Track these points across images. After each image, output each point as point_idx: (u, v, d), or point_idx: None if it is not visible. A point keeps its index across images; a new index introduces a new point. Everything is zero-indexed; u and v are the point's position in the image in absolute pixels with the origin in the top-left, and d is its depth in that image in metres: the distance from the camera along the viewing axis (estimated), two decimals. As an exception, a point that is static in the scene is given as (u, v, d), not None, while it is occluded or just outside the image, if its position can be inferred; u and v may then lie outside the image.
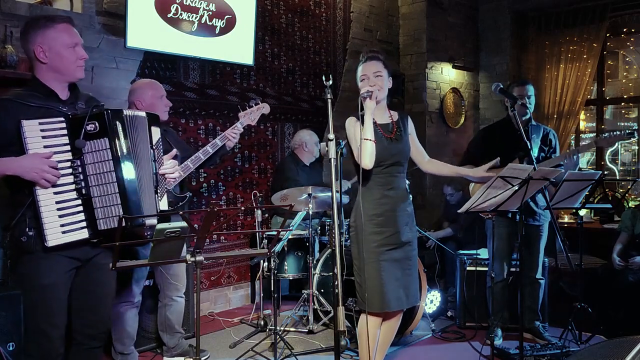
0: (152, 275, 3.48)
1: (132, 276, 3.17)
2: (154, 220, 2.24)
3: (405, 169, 2.89)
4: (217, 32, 4.30)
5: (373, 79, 2.77)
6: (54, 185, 2.08)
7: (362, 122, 2.71)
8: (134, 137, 2.22)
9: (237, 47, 4.45)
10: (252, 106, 3.42)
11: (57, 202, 2.08)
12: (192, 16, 4.12)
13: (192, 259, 2.05)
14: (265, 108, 3.46)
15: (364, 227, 2.73)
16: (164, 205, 2.43)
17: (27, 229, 2.08)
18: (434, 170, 3.01)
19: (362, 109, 2.73)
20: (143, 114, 2.33)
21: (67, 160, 2.10)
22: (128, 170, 2.17)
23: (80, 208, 2.12)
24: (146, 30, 3.86)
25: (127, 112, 2.22)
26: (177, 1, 4.01)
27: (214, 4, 4.23)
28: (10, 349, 2.83)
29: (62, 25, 2.17)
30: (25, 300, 2.21)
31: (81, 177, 2.12)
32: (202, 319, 4.33)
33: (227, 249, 4.69)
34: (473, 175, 2.99)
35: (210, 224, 2.02)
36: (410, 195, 2.96)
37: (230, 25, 4.37)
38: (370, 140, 2.67)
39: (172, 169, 2.46)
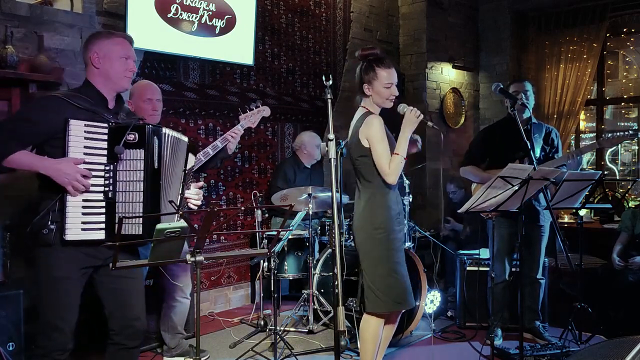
0: (152, 275, 3.48)
1: None
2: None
3: None
4: (217, 32, 4.30)
5: (394, 87, 2.80)
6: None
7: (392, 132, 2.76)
8: (168, 154, 2.34)
9: (237, 47, 4.45)
10: (253, 109, 3.42)
11: (84, 200, 2.20)
12: (192, 16, 4.12)
13: (192, 259, 2.05)
14: (265, 111, 3.46)
15: (392, 227, 2.75)
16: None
17: (49, 222, 2.17)
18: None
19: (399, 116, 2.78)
20: (185, 138, 2.46)
21: (101, 164, 2.22)
22: (155, 183, 2.28)
23: (103, 210, 2.23)
24: (146, 30, 3.86)
25: (166, 130, 2.35)
26: (177, 1, 4.01)
27: (214, 4, 4.24)
28: (10, 349, 2.84)
29: (119, 39, 2.35)
30: (39, 292, 2.26)
31: (111, 181, 2.23)
32: (202, 319, 4.33)
33: (227, 249, 4.69)
34: None
35: (210, 224, 2.03)
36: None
37: (230, 25, 4.37)
38: (404, 157, 2.69)
39: (196, 195, 2.62)
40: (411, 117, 2.72)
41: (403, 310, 2.89)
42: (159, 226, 1.96)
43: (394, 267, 2.74)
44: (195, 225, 2.03)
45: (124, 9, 3.76)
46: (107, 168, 2.22)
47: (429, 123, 2.81)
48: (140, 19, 3.82)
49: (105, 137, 2.22)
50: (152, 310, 3.56)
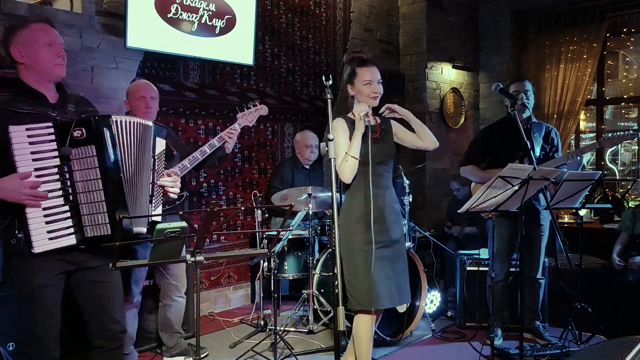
0: (152, 275, 3.48)
1: (131, 276, 3.17)
2: (142, 229, 2.23)
3: (391, 168, 2.91)
4: (217, 32, 4.30)
5: (376, 85, 2.79)
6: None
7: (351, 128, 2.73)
8: (126, 143, 2.20)
9: (237, 47, 4.45)
10: (250, 107, 3.41)
11: (44, 209, 2.07)
12: (192, 16, 4.12)
13: (192, 259, 2.04)
14: (263, 110, 3.46)
15: (354, 227, 2.73)
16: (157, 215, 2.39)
17: (16, 231, 2.08)
18: (422, 137, 2.97)
19: (358, 109, 2.77)
20: (149, 123, 2.31)
21: (55, 167, 2.08)
22: (116, 178, 2.15)
23: (68, 214, 2.11)
24: (146, 30, 3.86)
25: (116, 117, 2.18)
26: (177, 1, 4.01)
27: (214, 4, 4.24)
28: (10, 349, 2.84)
29: (37, 25, 2.15)
30: (18, 302, 2.20)
31: (68, 183, 2.10)
32: (202, 319, 4.33)
33: (227, 249, 4.69)
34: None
35: (210, 224, 2.02)
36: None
37: (230, 25, 4.37)
38: (355, 158, 2.68)
39: (172, 182, 2.43)
40: (357, 117, 2.73)
41: (374, 309, 2.80)
42: (159, 226, 1.95)
43: (355, 268, 2.73)
44: (195, 225, 2.03)
45: (123, 9, 3.76)
46: (63, 170, 2.08)
47: (367, 119, 2.74)
48: (140, 19, 3.82)
49: (53, 137, 2.07)
50: (151, 311, 3.56)
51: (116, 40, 3.89)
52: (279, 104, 5.09)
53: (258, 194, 4.68)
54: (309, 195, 3.89)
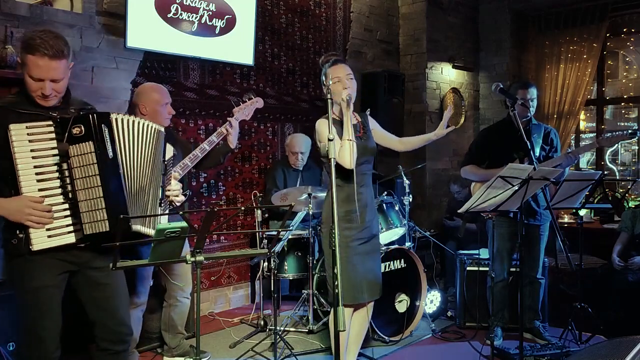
0: (155, 275, 3.47)
1: (136, 276, 3.16)
2: (150, 231, 2.24)
3: (372, 166, 2.98)
4: (217, 32, 4.30)
5: (346, 81, 2.81)
6: (41, 190, 2.08)
7: (340, 124, 2.76)
8: (126, 141, 2.21)
9: (237, 47, 4.45)
10: (246, 101, 3.40)
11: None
12: (192, 16, 4.12)
13: (192, 259, 2.04)
14: (259, 102, 3.43)
15: (338, 224, 2.74)
16: (164, 219, 2.42)
17: (17, 231, 2.09)
18: (409, 146, 3.08)
19: (337, 109, 2.81)
20: (161, 128, 2.36)
21: (55, 165, 2.11)
22: (114, 174, 2.15)
23: (68, 212, 2.12)
24: (146, 30, 3.86)
25: (116, 116, 2.20)
26: (177, 1, 4.01)
27: (214, 4, 4.24)
28: (11, 349, 2.84)
29: (34, 57, 2.06)
30: (18, 303, 2.20)
31: (68, 181, 2.11)
32: (202, 319, 4.33)
33: (227, 249, 4.69)
34: (435, 136, 3.01)
35: (210, 224, 2.02)
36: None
37: (230, 25, 4.37)
38: (352, 140, 2.69)
39: (177, 191, 2.50)
40: (341, 102, 2.74)
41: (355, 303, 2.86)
42: (159, 226, 1.95)
43: (335, 262, 2.75)
44: (195, 225, 2.03)
45: (124, 9, 3.76)
46: (62, 168, 2.10)
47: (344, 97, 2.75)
48: (140, 19, 3.82)
49: (53, 135, 2.10)
50: (153, 310, 3.56)
51: (116, 40, 3.89)
52: (279, 104, 5.09)
53: (258, 194, 4.67)
54: (309, 195, 3.89)
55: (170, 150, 2.44)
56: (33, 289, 2.13)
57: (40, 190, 2.08)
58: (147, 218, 2.29)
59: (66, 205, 2.12)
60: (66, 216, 2.12)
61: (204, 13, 4.18)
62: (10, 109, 2.10)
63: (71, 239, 2.12)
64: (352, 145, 2.69)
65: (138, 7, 3.80)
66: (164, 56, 4.15)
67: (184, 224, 1.98)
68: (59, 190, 2.11)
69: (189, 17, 4.10)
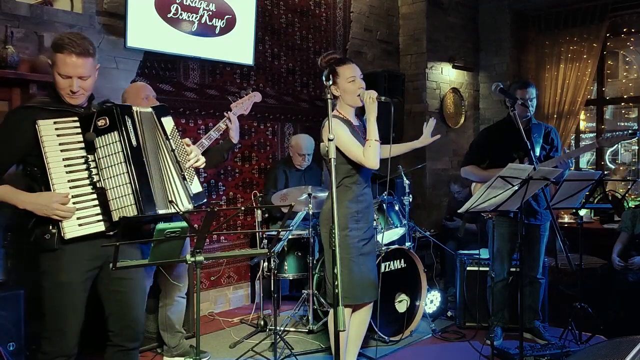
0: (154, 276, 3.47)
1: None
2: (173, 209, 2.29)
3: None
4: (217, 32, 4.30)
5: (360, 80, 2.81)
6: (70, 181, 2.18)
7: (348, 123, 2.78)
8: (145, 131, 2.31)
9: (237, 47, 4.45)
10: (244, 96, 3.39)
11: (73, 197, 2.18)
12: (192, 16, 4.12)
13: (192, 259, 2.05)
14: (257, 96, 3.41)
15: (344, 223, 2.77)
16: (196, 187, 2.45)
17: (50, 226, 2.17)
18: (393, 153, 2.99)
19: (345, 109, 2.83)
20: (148, 109, 2.39)
21: (82, 157, 2.21)
22: (139, 161, 2.25)
23: (96, 202, 2.21)
24: (146, 30, 3.87)
25: (136, 108, 2.32)
26: (177, 1, 4.01)
27: (214, 4, 4.24)
28: (11, 348, 2.84)
29: (63, 55, 2.18)
30: (44, 298, 2.26)
31: (95, 171, 2.22)
32: (202, 319, 4.33)
33: (227, 249, 4.69)
34: (420, 143, 3.06)
35: (210, 224, 2.02)
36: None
37: (230, 25, 4.37)
38: (378, 140, 2.71)
39: (195, 158, 2.48)
40: (368, 101, 2.73)
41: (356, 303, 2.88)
42: (159, 226, 1.96)
43: (342, 263, 2.75)
44: (195, 225, 2.03)
45: (124, 9, 3.76)
46: (88, 159, 2.21)
47: (382, 98, 2.76)
48: (140, 19, 3.82)
49: (79, 129, 2.22)
50: (151, 311, 3.56)
51: (116, 40, 3.89)
52: (279, 104, 5.09)
53: (258, 194, 4.67)
54: (309, 195, 3.89)
55: (169, 122, 2.44)
56: (60, 283, 2.20)
57: (69, 181, 2.18)
58: (168, 198, 2.33)
59: (94, 196, 2.22)
60: (95, 206, 2.21)
61: (204, 13, 4.19)
62: (40, 107, 2.22)
63: (101, 227, 2.20)
64: (378, 145, 2.70)
65: (138, 7, 3.80)
66: (164, 56, 4.15)
67: (184, 224, 1.98)
68: (87, 181, 2.21)
69: (189, 17, 4.10)
